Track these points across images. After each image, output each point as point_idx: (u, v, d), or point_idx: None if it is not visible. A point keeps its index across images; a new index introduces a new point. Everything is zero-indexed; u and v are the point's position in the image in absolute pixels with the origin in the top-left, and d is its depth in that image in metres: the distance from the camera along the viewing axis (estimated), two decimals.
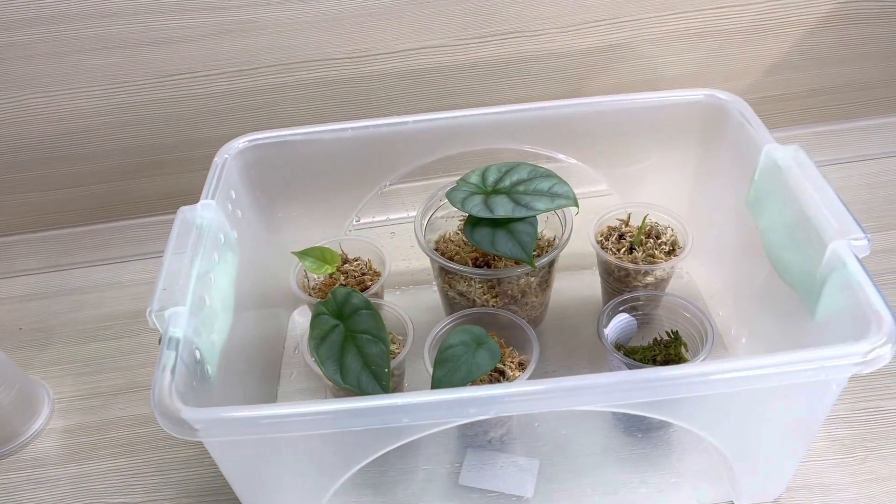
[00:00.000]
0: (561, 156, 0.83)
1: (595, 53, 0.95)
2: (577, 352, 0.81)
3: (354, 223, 0.85)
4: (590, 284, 0.87)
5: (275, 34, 0.89)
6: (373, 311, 0.66)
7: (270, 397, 0.80)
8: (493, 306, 0.75)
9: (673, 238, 0.80)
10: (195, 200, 0.69)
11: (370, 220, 0.86)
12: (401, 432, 0.55)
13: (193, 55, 0.90)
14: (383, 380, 0.63)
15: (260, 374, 0.79)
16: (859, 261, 0.58)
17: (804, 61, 1.00)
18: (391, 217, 0.89)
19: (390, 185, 0.83)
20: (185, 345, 0.58)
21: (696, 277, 0.89)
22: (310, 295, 0.78)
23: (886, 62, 1.03)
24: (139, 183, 1.02)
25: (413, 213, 0.81)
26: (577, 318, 0.85)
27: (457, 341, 0.66)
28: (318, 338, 0.66)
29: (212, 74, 0.92)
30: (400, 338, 0.73)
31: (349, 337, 0.65)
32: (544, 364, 0.80)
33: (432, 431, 0.54)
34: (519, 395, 0.51)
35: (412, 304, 0.87)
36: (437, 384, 0.64)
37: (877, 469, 0.69)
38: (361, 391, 0.63)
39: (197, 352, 0.60)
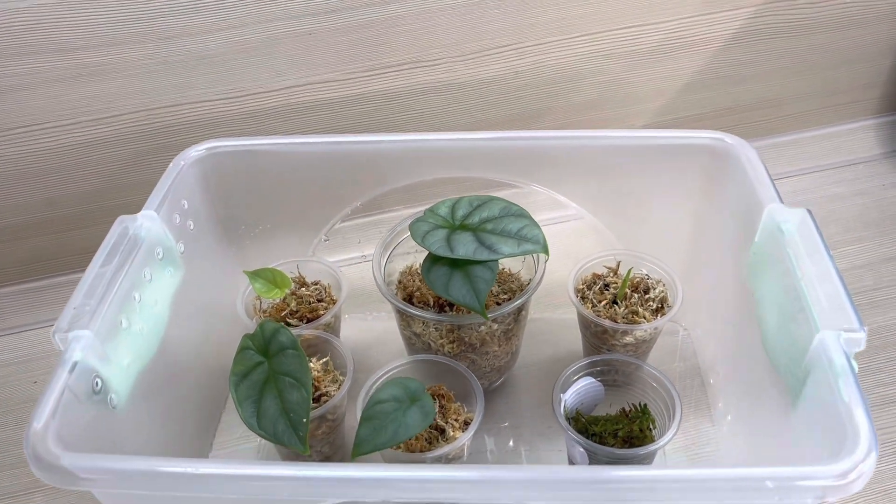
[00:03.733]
0: (561, 197, 0.76)
1: (498, 82, 0.88)
2: (546, 405, 0.74)
3: (324, 241, 0.80)
4: (576, 327, 0.79)
5: (133, 77, 0.79)
6: (299, 352, 0.60)
7: (211, 425, 0.75)
8: (450, 353, 0.69)
9: (662, 295, 0.71)
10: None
11: (340, 239, 0.81)
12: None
13: (37, 105, 0.78)
14: (300, 430, 0.57)
15: (202, 400, 0.74)
16: (848, 359, 0.49)
17: (716, 80, 0.95)
18: (362, 237, 0.84)
19: (361, 205, 0.77)
20: (80, 373, 0.53)
21: (694, 336, 0.80)
22: (261, 319, 0.73)
23: (796, 77, 0.99)
24: None
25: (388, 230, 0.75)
26: (553, 366, 0.77)
27: (388, 396, 0.59)
28: (240, 374, 0.60)
29: (63, 125, 0.80)
30: (342, 378, 0.67)
31: (272, 378, 0.60)
32: (500, 419, 0.73)
33: None
34: (407, 480, 0.44)
35: (375, 335, 0.81)
36: (359, 444, 0.58)
37: None
38: (276, 440, 0.57)
39: (97, 380, 0.55)
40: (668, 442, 0.58)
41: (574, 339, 0.77)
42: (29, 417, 0.50)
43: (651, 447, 0.58)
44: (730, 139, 0.69)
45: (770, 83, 0.98)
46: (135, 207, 0.66)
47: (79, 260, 0.87)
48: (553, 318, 0.81)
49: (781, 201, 0.62)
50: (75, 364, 0.53)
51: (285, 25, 0.79)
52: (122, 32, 0.76)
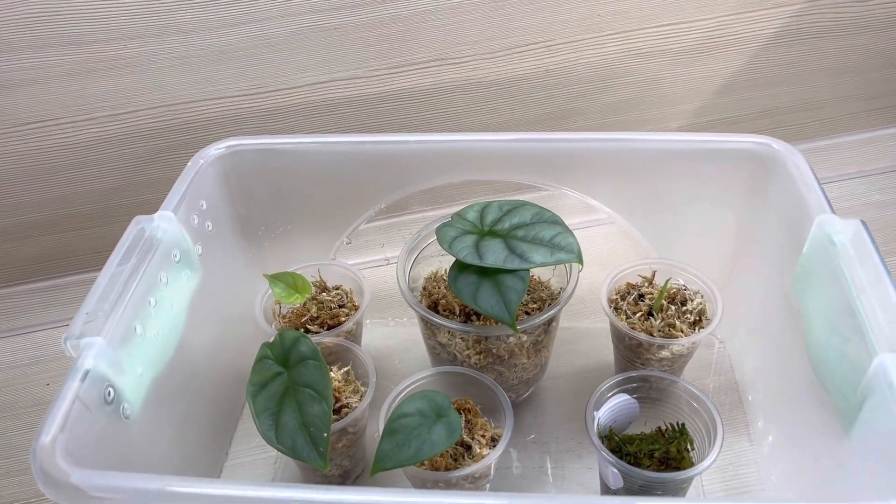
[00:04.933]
0: (593, 201, 0.73)
1: (528, 81, 0.85)
2: (576, 420, 0.71)
3: (346, 244, 0.77)
4: (607, 336, 0.75)
5: (152, 72, 0.76)
6: (320, 362, 0.57)
7: (227, 434, 0.72)
8: (476, 364, 0.66)
9: (700, 307, 0.68)
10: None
11: (363, 242, 0.78)
12: None
13: (51, 99, 0.76)
14: (320, 445, 0.54)
15: (219, 409, 0.71)
16: None
17: (754, 81, 0.92)
18: (385, 240, 0.81)
19: (385, 206, 0.74)
20: (92, 382, 0.51)
21: (731, 350, 0.76)
22: (280, 324, 0.70)
23: (839, 79, 0.95)
24: None
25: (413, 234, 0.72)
26: (583, 378, 0.74)
27: (412, 410, 0.56)
28: (258, 385, 0.57)
29: (78, 121, 0.77)
30: (363, 389, 0.64)
31: (291, 389, 0.57)
32: (527, 432, 0.70)
33: None
34: None
35: (398, 342, 0.78)
36: (381, 459, 0.55)
37: None
38: (295, 455, 0.55)
39: (110, 390, 0.52)
40: (709, 466, 0.55)
41: (605, 349, 0.74)
42: (40, 422, 0.47)
43: (691, 472, 0.55)
44: (776, 144, 0.65)
45: (811, 85, 0.94)
46: (151, 206, 0.63)
47: (93, 259, 0.85)
48: (582, 327, 0.78)
49: (833, 211, 0.58)
50: (87, 372, 0.51)
51: (309, 20, 0.76)
52: (139, 25, 0.73)
